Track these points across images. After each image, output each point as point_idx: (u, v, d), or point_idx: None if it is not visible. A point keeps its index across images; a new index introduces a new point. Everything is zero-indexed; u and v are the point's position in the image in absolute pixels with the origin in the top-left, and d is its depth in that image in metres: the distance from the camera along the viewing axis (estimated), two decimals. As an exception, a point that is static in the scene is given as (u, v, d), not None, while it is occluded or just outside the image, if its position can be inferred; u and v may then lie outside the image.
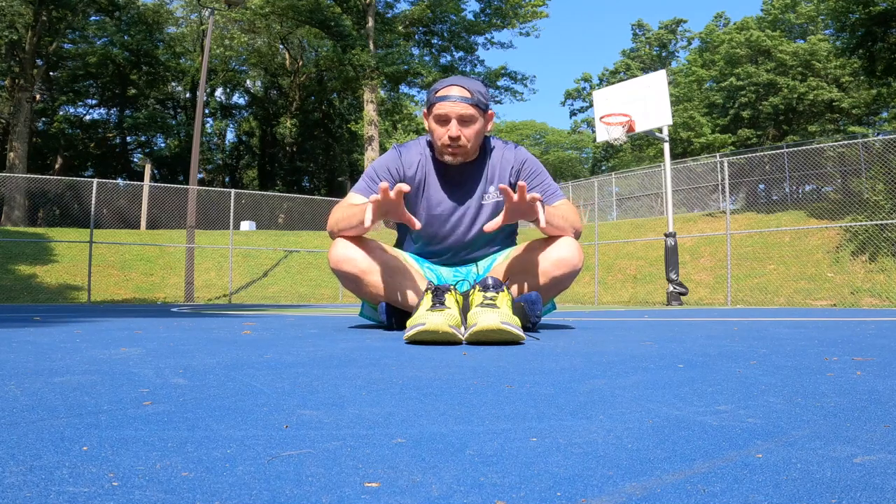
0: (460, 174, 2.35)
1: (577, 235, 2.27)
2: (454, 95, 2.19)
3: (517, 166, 2.35)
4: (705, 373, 1.10)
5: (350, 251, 2.22)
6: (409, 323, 1.73)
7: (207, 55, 14.96)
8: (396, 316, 2.27)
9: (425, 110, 2.31)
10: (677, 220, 15.69)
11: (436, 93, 2.23)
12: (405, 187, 1.94)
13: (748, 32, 23.75)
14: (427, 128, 2.32)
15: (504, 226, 2.41)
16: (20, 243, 14.88)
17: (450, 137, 2.22)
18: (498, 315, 1.63)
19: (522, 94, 27.37)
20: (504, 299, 1.75)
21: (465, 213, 2.37)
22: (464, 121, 2.20)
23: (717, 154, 21.91)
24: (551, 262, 2.20)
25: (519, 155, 2.37)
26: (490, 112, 2.28)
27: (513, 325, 1.65)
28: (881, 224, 11.15)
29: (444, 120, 2.21)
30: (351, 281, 2.26)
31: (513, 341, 1.66)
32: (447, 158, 2.28)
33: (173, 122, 30.82)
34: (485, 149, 2.37)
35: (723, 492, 0.46)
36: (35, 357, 1.35)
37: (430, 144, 2.38)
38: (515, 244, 2.51)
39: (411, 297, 2.20)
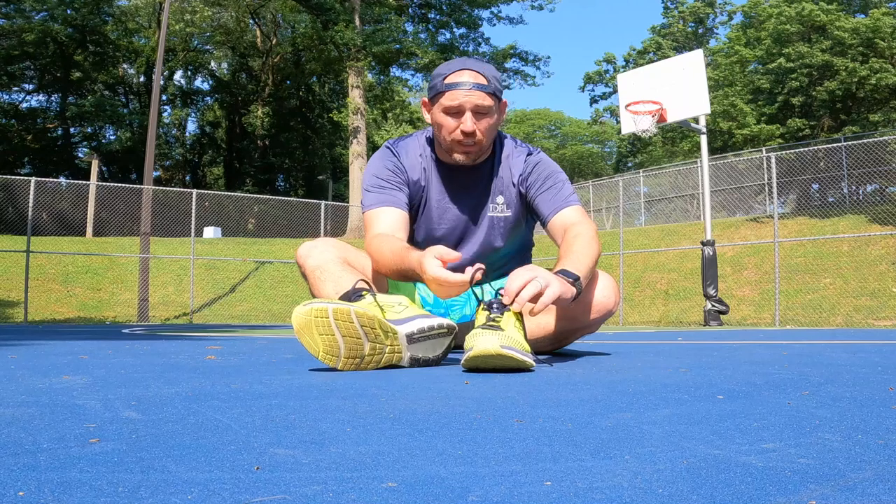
0: (466, 178, 2.27)
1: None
2: (467, 82, 2.08)
3: (525, 173, 2.28)
4: (749, 405, 1.10)
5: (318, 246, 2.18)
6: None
7: (165, 31, 15.03)
8: None
9: (425, 99, 2.22)
10: (716, 225, 15.71)
11: (444, 78, 2.11)
12: (479, 275, 1.78)
13: (800, 5, 23.82)
14: (429, 120, 2.22)
15: (515, 240, 2.38)
16: (-56, 253, 14.89)
17: (464, 133, 2.10)
18: (497, 338, 1.64)
19: (535, 77, 27.57)
20: (510, 320, 1.75)
21: (471, 227, 2.31)
22: (479, 112, 2.11)
23: (764, 148, 21.96)
24: (583, 303, 2.12)
25: (529, 162, 2.29)
26: (503, 101, 2.21)
27: (516, 349, 1.66)
28: (956, 230, 11.17)
29: (456, 112, 2.10)
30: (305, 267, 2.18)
31: (517, 368, 1.67)
32: (457, 157, 2.17)
33: (125, 111, 30.91)
34: (495, 148, 2.30)
35: (769, 544, 0.46)
36: (-39, 387, 1.35)
37: (430, 141, 2.30)
38: (530, 261, 2.46)
39: (328, 286, 2.08)
